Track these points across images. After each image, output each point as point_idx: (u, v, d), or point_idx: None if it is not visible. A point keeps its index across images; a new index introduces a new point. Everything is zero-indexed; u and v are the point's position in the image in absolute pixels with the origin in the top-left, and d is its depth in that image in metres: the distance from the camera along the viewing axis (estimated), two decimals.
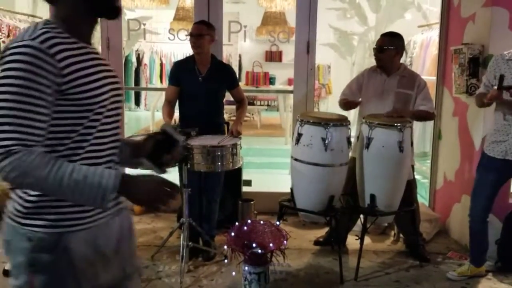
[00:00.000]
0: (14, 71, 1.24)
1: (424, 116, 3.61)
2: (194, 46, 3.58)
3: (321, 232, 4.03)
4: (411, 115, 3.46)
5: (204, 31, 3.56)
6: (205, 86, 3.59)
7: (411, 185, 3.60)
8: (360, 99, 3.73)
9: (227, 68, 3.85)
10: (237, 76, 10.17)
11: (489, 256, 3.46)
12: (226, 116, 4.31)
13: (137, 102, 10.65)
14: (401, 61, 3.77)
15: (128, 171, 1.77)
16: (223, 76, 3.68)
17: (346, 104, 3.69)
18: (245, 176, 4.48)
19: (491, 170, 3.18)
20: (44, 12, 5.76)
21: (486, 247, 3.36)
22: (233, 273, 3.30)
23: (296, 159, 3.32)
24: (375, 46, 3.63)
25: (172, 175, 3.78)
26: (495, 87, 2.99)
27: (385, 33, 3.70)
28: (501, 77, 2.95)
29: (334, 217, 3.38)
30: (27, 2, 6.63)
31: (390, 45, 3.54)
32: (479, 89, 3.33)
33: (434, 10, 6.15)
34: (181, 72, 3.69)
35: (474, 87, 3.72)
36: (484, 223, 3.27)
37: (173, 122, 3.59)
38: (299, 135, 3.27)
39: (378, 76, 3.65)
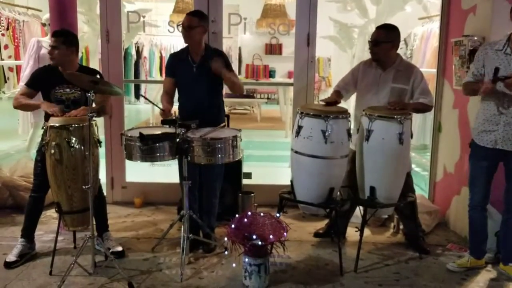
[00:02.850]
0: None
1: (422, 109, 3.61)
2: (184, 37, 3.57)
3: (321, 224, 4.04)
4: (411, 108, 3.45)
5: (195, 23, 3.52)
6: (199, 74, 3.58)
7: (409, 176, 3.60)
8: (348, 95, 3.72)
9: (219, 52, 3.81)
10: (237, 69, 10.09)
11: (488, 248, 3.47)
12: (226, 109, 4.29)
13: (137, 95, 10.64)
14: (402, 53, 3.73)
15: None
16: None
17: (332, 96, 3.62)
18: (245, 169, 4.49)
19: (482, 158, 3.23)
20: (42, 4, 5.74)
21: (485, 237, 3.38)
22: (234, 265, 3.31)
23: (296, 152, 3.32)
24: (370, 40, 3.60)
25: (172, 167, 3.81)
26: (489, 79, 3.03)
27: (380, 26, 3.64)
28: (496, 70, 2.98)
29: (334, 209, 3.39)
30: None
31: (385, 39, 3.49)
32: (466, 78, 3.34)
33: (434, 2, 6.11)
34: (175, 64, 3.68)
35: None
36: (483, 212, 3.30)
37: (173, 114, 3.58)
38: (299, 127, 3.27)
39: (373, 70, 3.61)
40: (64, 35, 3.39)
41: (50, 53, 3.38)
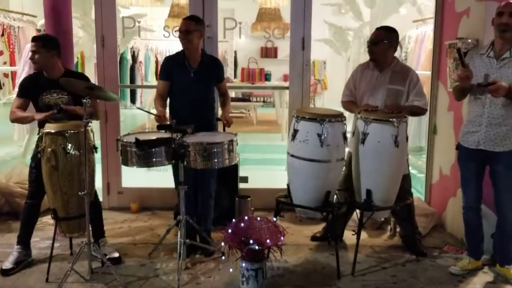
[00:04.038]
0: None
1: (417, 112, 3.62)
2: (182, 41, 3.58)
3: (318, 228, 4.04)
4: (407, 111, 3.47)
5: (193, 27, 3.54)
6: (196, 80, 3.60)
7: (407, 179, 3.61)
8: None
9: (217, 62, 3.85)
10: (233, 72, 10.16)
11: (485, 250, 3.48)
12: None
13: (133, 100, 10.62)
14: (397, 55, 3.76)
15: None
16: (213, 70, 3.71)
17: (349, 105, 3.72)
18: (241, 173, 4.49)
19: (469, 160, 3.28)
20: (36, 10, 5.73)
21: (482, 238, 3.40)
22: (231, 270, 3.31)
23: (292, 155, 3.32)
24: (368, 40, 3.64)
25: (168, 172, 3.81)
26: (460, 67, 3.11)
27: (380, 27, 3.69)
28: (458, 51, 3.09)
29: (331, 213, 3.39)
30: (21, 0, 6.60)
31: (384, 39, 3.53)
32: (454, 84, 3.39)
33: (428, 4, 6.15)
34: (171, 67, 3.69)
35: None
36: (478, 213, 3.32)
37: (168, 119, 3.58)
38: (295, 131, 3.28)
39: (370, 72, 3.65)
40: (43, 39, 3.41)
41: (31, 58, 3.39)
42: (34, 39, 3.42)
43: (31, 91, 3.38)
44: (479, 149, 3.18)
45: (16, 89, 5.17)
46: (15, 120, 3.43)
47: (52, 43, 3.39)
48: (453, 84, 3.96)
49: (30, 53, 3.44)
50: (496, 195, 3.26)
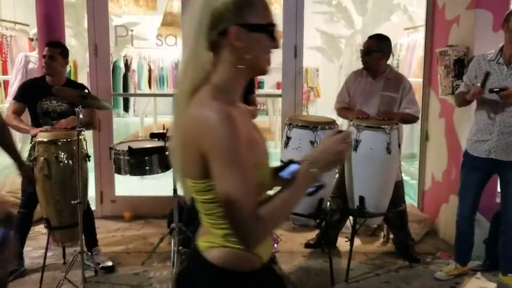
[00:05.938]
0: None
1: (408, 120, 3.64)
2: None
3: (312, 235, 4.05)
4: (398, 118, 3.50)
5: None
6: None
7: (399, 186, 3.63)
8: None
9: None
10: None
11: (477, 256, 3.50)
12: None
13: (126, 108, 10.61)
14: (389, 63, 3.79)
15: None
16: None
17: (343, 112, 3.72)
18: None
19: (475, 169, 3.23)
20: (29, 19, 5.73)
21: (471, 245, 3.40)
22: None
23: None
24: (362, 48, 3.66)
25: (162, 181, 3.79)
26: (478, 84, 3.05)
27: (372, 36, 3.71)
28: (487, 75, 3.01)
29: (324, 220, 3.40)
30: (13, 9, 6.59)
31: (377, 48, 3.56)
32: (459, 88, 3.38)
33: (419, 12, 6.21)
34: None
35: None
36: (471, 222, 3.32)
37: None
38: (288, 138, 3.29)
39: (364, 79, 3.68)
40: (61, 46, 3.44)
41: (47, 63, 3.37)
42: (53, 44, 3.43)
43: (30, 95, 3.38)
44: (490, 158, 3.13)
45: (9, 98, 5.18)
46: (9, 125, 3.40)
47: (67, 52, 3.47)
48: (445, 91, 4.00)
49: (36, 62, 3.43)
50: (504, 204, 3.21)
